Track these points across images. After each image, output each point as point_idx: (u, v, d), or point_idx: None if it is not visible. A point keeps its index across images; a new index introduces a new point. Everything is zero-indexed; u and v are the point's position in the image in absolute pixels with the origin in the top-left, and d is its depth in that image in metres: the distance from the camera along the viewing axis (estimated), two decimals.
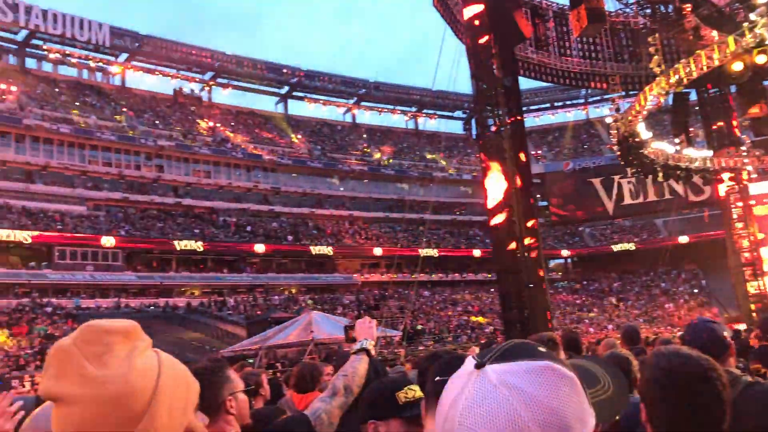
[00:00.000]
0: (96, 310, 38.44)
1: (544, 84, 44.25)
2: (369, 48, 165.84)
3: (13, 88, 49.36)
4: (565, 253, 64.13)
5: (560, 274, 64.67)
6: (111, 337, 1.00)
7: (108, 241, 43.21)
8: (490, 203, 19.01)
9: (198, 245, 47.32)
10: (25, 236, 39.94)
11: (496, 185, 18.77)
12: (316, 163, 60.48)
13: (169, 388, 1.01)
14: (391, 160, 65.89)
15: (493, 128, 19.54)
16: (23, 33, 53.05)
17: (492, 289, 48.45)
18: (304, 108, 69.97)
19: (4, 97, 48.04)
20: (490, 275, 48.31)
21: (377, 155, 66.51)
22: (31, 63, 55.40)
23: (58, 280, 40.21)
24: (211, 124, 59.83)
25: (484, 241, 55.51)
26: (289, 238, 53.71)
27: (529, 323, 17.50)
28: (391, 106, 72.84)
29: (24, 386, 25.29)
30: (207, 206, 52.74)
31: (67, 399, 0.96)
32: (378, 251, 55.00)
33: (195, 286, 47.06)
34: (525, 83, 28.50)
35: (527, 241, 18.97)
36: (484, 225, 44.64)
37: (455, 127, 77.64)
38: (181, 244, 46.53)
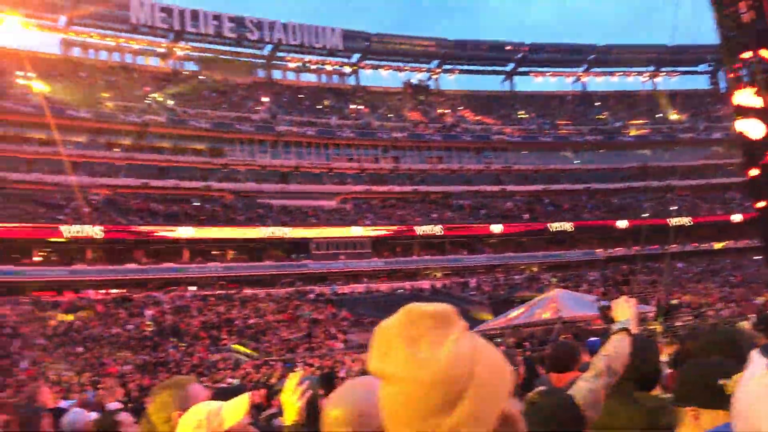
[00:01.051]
0: (350, 294, 41.40)
1: None
2: (593, 11, 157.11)
3: (265, 99, 54.91)
4: None
5: None
6: (429, 321, 1.02)
7: (356, 230, 46.30)
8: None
9: (437, 229, 48.80)
10: (285, 232, 44.27)
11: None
12: (546, 138, 59.11)
13: (484, 373, 1.01)
14: (629, 126, 62.13)
15: (747, 78, 17.52)
16: (268, 47, 58.65)
17: (758, 257, 43.61)
18: (530, 83, 68.76)
19: (258, 108, 53.61)
20: (755, 241, 43.53)
21: (613, 122, 63.11)
22: (276, 74, 61.06)
23: (317, 269, 44.00)
24: (439, 111, 61.22)
25: (744, 204, 50.07)
26: (525, 216, 53.14)
27: None
28: (625, 68, 68.60)
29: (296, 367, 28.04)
30: (441, 191, 54.11)
31: (390, 378, 1.01)
32: (622, 224, 52.19)
33: (437, 268, 48.63)
34: None
35: None
36: (743, 186, 40.29)
37: (699, 83, 70.90)
38: (420, 229, 48.36)
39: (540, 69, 67.59)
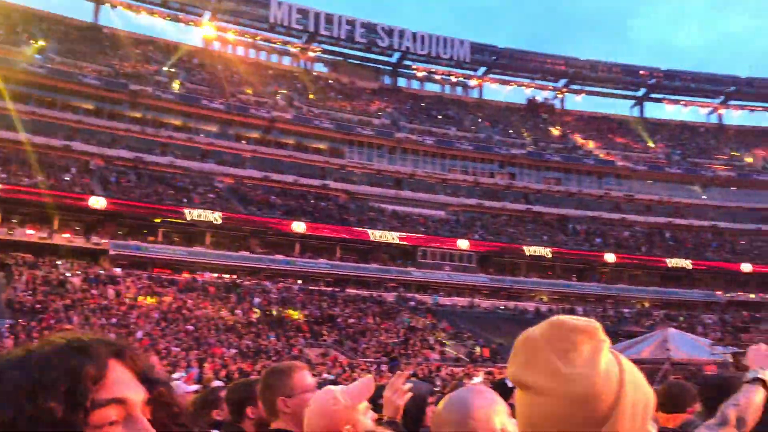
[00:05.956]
0: (452, 307, 41.16)
1: None
2: (747, 41, 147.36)
3: (387, 105, 55.79)
4: None
5: None
6: (577, 336, 1.01)
7: (463, 243, 45.97)
8: None
9: (547, 251, 47.62)
10: (394, 236, 44.65)
11: None
12: (674, 169, 56.37)
13: (631, 393, 0.98)
14: (766, 165, 58.22)
15: None
16: (396, 55, 59.55)
17: None
18: (661, 110, 66.21)
19: (380, 113, 54.46)
20: None
21: (748, 159, 59.34)
22: (401, 82, 61.85)
23: (420, 278, 44.04)
24: (562, 131, 59.81)
25: None
26: (643, 248, 50.94)
27: None
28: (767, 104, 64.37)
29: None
30: (556, 213, 52.79)
31: (533, 388, 1.00)
32: (747, 267, 49.00)
33: (543, 291, 47.36)
34: None
35: None
36: None
37: None
38: (530, 250, 47.34)
39: (673, 97, 64.66)
